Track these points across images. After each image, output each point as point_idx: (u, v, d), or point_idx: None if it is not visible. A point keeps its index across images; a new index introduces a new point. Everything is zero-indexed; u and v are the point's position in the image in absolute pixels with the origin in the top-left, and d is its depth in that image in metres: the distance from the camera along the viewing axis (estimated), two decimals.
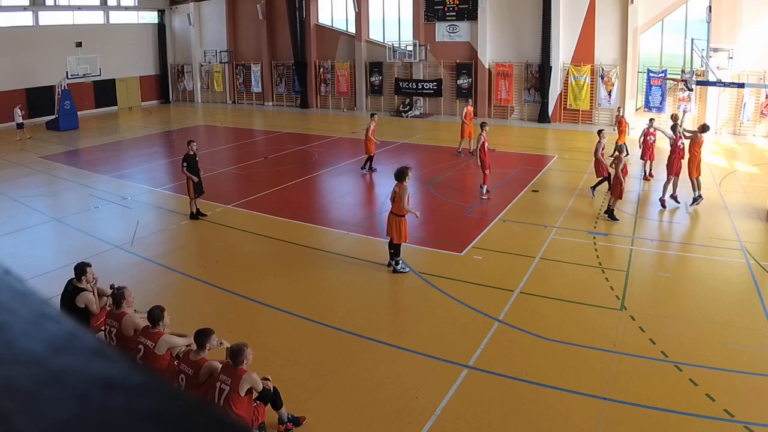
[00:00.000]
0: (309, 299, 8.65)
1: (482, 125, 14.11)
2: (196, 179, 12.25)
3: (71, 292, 6.98)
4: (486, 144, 13.69)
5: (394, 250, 9.46)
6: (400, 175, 9.44)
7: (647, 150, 14.85)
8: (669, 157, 12.72)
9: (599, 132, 13.90)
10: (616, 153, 12.36)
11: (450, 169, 16.92)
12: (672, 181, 12.58)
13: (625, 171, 11.70)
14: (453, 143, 20.33)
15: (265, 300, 8.59)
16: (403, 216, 9.33)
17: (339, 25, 30.17)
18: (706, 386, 6.20)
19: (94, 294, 7.10)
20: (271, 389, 5.54)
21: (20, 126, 23.93)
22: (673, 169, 12.49)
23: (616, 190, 11.76)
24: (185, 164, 12.27)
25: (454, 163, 17.61)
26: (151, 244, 11.29)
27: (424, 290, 8.88)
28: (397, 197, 9.32)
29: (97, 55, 29.47)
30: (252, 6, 31.78)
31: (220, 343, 5.73)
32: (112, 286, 6.81)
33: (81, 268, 7.08)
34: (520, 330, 7.56)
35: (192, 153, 12.31)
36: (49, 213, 13.51)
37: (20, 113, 24.01)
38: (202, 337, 5.55)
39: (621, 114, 17.41)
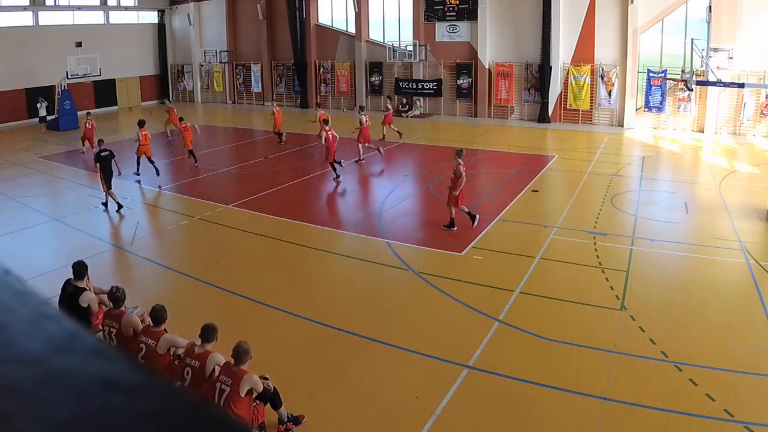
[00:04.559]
0: (309, 299, 8.65)
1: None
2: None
3: (72, 293, 6.95)
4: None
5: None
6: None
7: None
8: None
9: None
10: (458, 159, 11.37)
11: (450, 169, 16.91)
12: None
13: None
14: (453, 143, 20.35)
15: (265, 300, 8.59)
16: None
17: (339, 25, 30.15)
18: (706, 386, 6.20)
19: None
20: (271, 389, 5.55)
21: (42, 120, 25.67)
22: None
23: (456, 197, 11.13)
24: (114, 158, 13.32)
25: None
26: (151, 244, 11.30)
27: (424, 290, 8.88)
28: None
29: (97, 55, 29.44)
30: (252, 6, 31.78)
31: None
32: (111, 289, 6.79)
33: (83, 268, 7.07)
34: (520, 330, 7.56)
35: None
36: (49, 213, 13.51)
37: (44, 105, 25.69)
38: (209, 332, 5.62)
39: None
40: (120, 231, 12.03)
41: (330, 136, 15.15)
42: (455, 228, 11.35)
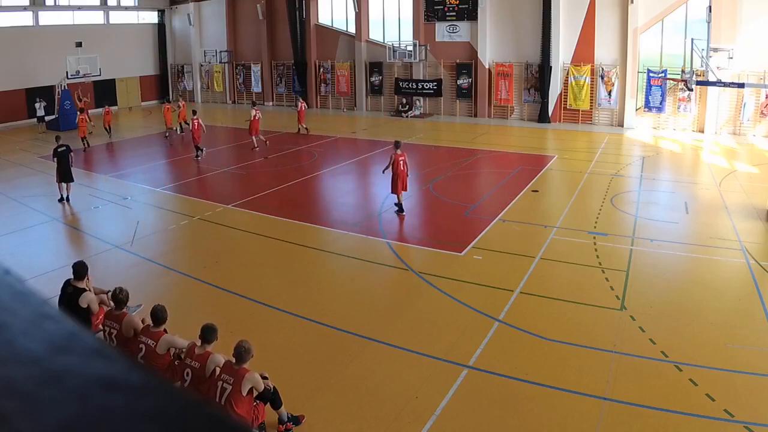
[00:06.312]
0: (309, 299, 8.65)
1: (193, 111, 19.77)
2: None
3: (72, 293, 6.95)
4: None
5: None
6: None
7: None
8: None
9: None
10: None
11: (450, 169, 16.93)
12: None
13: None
14: (453, 143, 20.42)
15: (265, 300, 8.58)
16: None
17: (339, 25, 30.16)
18: (706, 386, 6.20)
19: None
20: (271, 388, 5.55)
21: (41, 119, 26.04)
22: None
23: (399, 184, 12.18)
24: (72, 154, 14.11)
25: (455, 162, 17.62)
26: (151, 244, 11.29)
27: (424, 290, 8.88)
28: None
29: (97, 55, 29.45)
30: (252, 6, 31.78)
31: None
32: (115, 290, 6.79)
33: (83, 269, 7.06)
34: (520, 330, 7.56)
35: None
36: (49, 213, 13.51)
37: (43, 105, 26.17)
38: (209, 332, 5.61)
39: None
40: (120, 231, 12.02)
41: (197, 124, 18.33)
42: (404, 213, 12.32)
